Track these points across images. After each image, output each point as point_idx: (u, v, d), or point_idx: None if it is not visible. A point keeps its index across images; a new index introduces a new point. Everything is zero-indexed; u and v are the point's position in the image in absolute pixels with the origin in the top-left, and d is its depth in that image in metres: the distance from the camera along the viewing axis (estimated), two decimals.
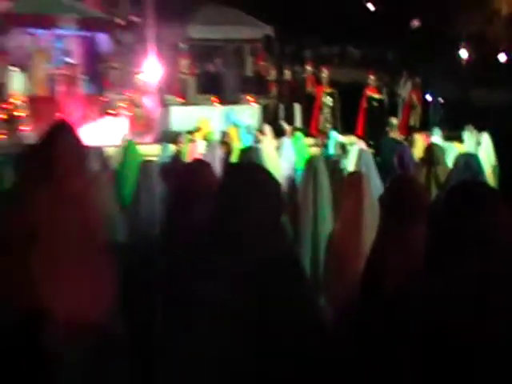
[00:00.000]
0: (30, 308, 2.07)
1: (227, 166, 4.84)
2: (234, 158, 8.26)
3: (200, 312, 2.00)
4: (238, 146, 9.56)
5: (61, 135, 2.55)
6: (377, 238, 2.72)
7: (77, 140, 2.57)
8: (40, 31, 18.05)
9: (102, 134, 14.67)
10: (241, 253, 2.01)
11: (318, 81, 15.99)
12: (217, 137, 11.52)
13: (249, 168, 2.38)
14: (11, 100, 15.65)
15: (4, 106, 15.44)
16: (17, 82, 16.23)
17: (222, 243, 2.06)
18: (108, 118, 15.86)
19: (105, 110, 16.18)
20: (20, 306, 2.09)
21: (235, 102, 16.13)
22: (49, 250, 2.19)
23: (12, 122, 14.64)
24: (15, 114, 15.19)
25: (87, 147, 2.63)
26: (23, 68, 16.97)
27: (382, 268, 2.52)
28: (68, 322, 2.10)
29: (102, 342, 2.22)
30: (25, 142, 12.24)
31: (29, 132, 14.23)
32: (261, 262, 1.99)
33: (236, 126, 12.47)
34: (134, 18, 24.18)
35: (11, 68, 16.47)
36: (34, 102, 15.75)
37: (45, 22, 17.66)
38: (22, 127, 14.76)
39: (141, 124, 15.29)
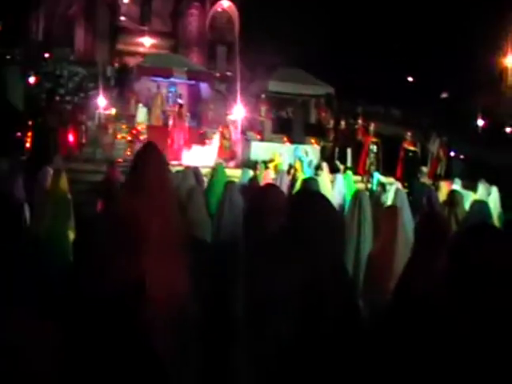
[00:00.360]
0: (130, 285, 2.05)
1: (299, 191, 4.76)
2: (297, 186, 8.22)
3: (272, 303, 1.97)
4: (301, 176, 9.50)
5: (149, 154, 2.47)
6: (410, 259, 2.68)
7: (160, 157, 2.49)
8: (160, 79, 18.60)
9: (199, 157, 14.95)
10: (306, 259, 1.99)
11: (366, 132, 15.73)
12: (285, 167, 11.52)
13: (315, 195, 2.37)
14: (137, 127, 16.18)
15: (133, 131, 15.98)
16: (141, 115, 16.77)
17: (292, 250, 2.03)
18: (204, 146, 16.06)
19: (202, 139, 16.41)
20: (123, 283, 2.06)
21: (301, 142, 16.06)
22: (144, 242, 2.16)
23: (136, 143, 15.01)
24: (139, 137, 15.65)
25: (168, 164, 2.53)
26: (147, 105, 17.52)
27: (412, 282, 2.50)
28: (158, 299, 2.09)
29: (182, 319, 2.18)
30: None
31: None
32: (321, 269, 1.97)
33: (300, 160, 12.40)
34: (228, 73, 24.70)
35: (139, 105, 17.02)
36: (151, 130, 16.26)
37: (164, 72, 18.21)
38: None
39: (227, 152, 15.42)
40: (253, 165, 13.00)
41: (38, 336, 1.62)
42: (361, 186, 12.49)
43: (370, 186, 12.94)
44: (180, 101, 17.61)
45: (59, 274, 3.43)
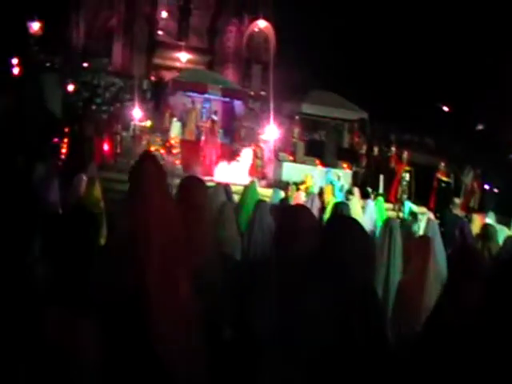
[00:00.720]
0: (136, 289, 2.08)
1: (332, 215, 4.76)
2: (328, 209, 8.21)
3: (301, 326, 2.02)
4: (332, 200, 9.49)
5: (145, 163, 2.49)
6: (443, 291, 2.69)
7: (157, 166, 2.49)
8: (195, 94, 18.89)
9: (230, 174, 15.07)
10: (338, 283, 2.02)
11: (399, 160, 15.66)
12: (316, 190, 11.52)
13: (349, 220, 2.40)
14: (171, 141, 16.44)
15: (167, 144, 16.24)
16: (175, 129, 17.01)
17: (324, 274, 2.07)
18: (235, 163, 16.19)
19: (234, 156, 16.54)
20: (130, 287, 2.09)
21: (333, 165, 16.07)
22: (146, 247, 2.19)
23: (169, 156, 15.24)
24: (172, 151, 15.88)
25: (165, 172, 2.53)
26: (181, 119, 17.79)
27: (445, 314, 2.51)
28: (161, 303, 2.11)
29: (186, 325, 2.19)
30: (176, 172, 12.75)
31: (179, 165, 14.79)
32: (352, 294, 2.00)
33: (332, 184, 12.40)
34: (262, 92, 24.89)
35: (174, 119, 17.30)
36: (184, 144, 16.51)
37: (199, 88, 18.51)
38: (175, 161, 15.33)
39: (259, 171, 15.51)
40: (284, 185, 13.09)
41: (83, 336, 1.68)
42: (392, 213, 12.40)
43: (401, 214, 12.91)
44: (214, 117, 17.81)
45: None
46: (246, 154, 16.32)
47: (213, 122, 16.51)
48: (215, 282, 2.76)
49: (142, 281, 2.07)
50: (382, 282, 4.57)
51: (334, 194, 11.15)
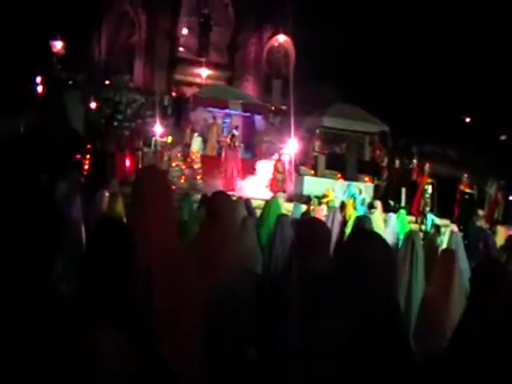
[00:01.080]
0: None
1: (354, 229, 4.76)
2: (350, 223, 8.18)
3: (324, 339, 2.03)
4: (353, 214, 9.45)
5: (148, 176, 2.49)
6: (467, 306, 2.67)
7: (162, 180, 2.49)
8: (216, 110, 19.00)
9: (251, 189, 15.10)
10: (360, 296, 2.02)
11: (421, 172, 15.54)
12: (337, 204, 11.49)
13: (371, 233, 2.39)
14: (192, 156, 16.58)
15: (188, 159, 16.37)
16: (196, 144, 17.15)
17: (346, 287, 2.06)
18: (256, 178, 16.22)
19: (254, 171, 16.55)
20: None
21: (354, 179, 15.98)
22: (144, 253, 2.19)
23: (190, 171, 15.33)
24: (194, 166, 16.00)
25: (170, 186, 2.54)
26: (202, 134, 17.94)
27: (470, 329, 2.47)
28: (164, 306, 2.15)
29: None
30: (197, 187, 12.80)
31: (200, 180, 14.89)
32: (375, 307, 1.99)
33: (353, 197, 12.32)
34: (283, 107, 24.95)
35: (195, 134, 17.46)
36: (205, 159, 16.65)
37: (220, 103, 18.58)
38: (197, 176, 15.44)
39: (280, 186, 15.50)
40: (305, 200, 13.06)
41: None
42: (414, 226, 12.28)
43: (423, 227, 12.75)
44: (235, 132, 17.90)
45: None
46: (265, 167, 16.36)
47: (233, 136, 16.55)
48: (241, 299, 2.80)
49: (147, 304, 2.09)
50: (405, 296, 4.55)
51: (355, 208, 11.08)
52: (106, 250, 1.93)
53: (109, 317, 1.77)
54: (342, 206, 10.57)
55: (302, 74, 24.50)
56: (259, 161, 17.13)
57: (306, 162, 16.92)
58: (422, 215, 14.13)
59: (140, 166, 15.68)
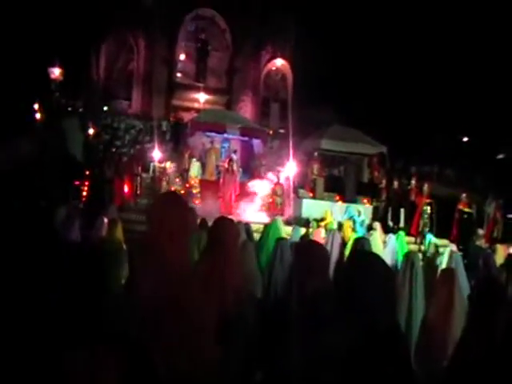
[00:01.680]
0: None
1: (353, 250, 4.78)
2: (349, 245, 8.17)
3: (324, 364, 2.04)
4: (352, 235, 9.45)
5: (168, 204, 2.42)
6: (467, 325, 2.68)
7: (181, 208, 2.43)
8: (214, 134, 19.05)
9: (250, 212, 15.10)
10: (361, 319, 2.02)
11: (420, 192, 15.49)
12: (336, 226, 11.48)
13: (370, 254, 2.39)
14: (190, 181, 16.66)
15: (186, 184, 16.39)
16: (195, 169, 17.19)
17: (346, 309, 2.08)
18: (254, 201, 16.23)
19: (253, 195, 16.48)
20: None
21: (353, 200, 16.02)
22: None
23: (188, 196, 15.35)
24: (192, 190, 16.09)
25: (190, 217, 2.53)
26: (200, 159, 18.00)
27: (470, 349, 2.48)
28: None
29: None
30: (196, 211, 12.85)
31: (198, 204, 14.90)
32: (375, 330, 2.00)
33: (352, 219, 12.34)
34: (281, 130, 25.09)
35: (193, 159, 17.52)
36: (204, 184, 16.69)
37: (218, 128, 18.60)
38: (195, 200, 15.49)
39: (278, 209, 15.50)
40: (304, 222, 13.05)
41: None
42: (413, 247, 12.26)
43: (422, 247, 12.71)
44: (234, 156, 17.92)
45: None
46: (261, 189, 16.40)
47: (231, 160, 16.54)
48: (246, 322, 2.80)
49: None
50: (405, 316, 4.54)
51: (354, 230, 11.08)
52: (80, 273, 1.92)
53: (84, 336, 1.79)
54: (341, 227, 10.54)
55: (299, 96, 24.79)
56: (252, 180, 17.07)
57: (305, 185, 16.94)
58: (421, 235, 14.09)
59: (138, 192, 15.74)
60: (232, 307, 2.72)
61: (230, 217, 12.03)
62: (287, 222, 14.16)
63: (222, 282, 2.73)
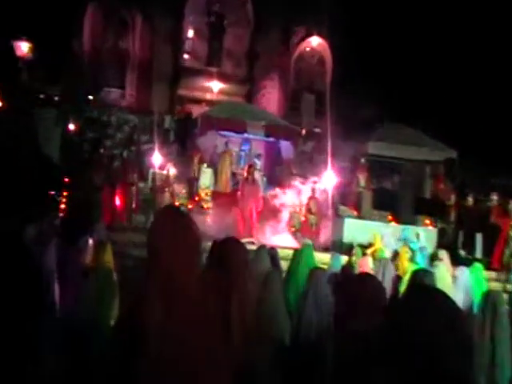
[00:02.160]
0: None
1: (410, 286, 4.80)
2: (405, 279, 8.10)
3: None
4: (410, 267, 9.33)
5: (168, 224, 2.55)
6: None
7: (186, 229, 2.55)
8: (231, 134, 19.28)
9: (276, 235, 15.12)
10: (417, 369, 2.00)
11: (504, 212, 15.20)
12: (388, 255, 11.44)
13: (433, 292, 2.36)
14: (200, 193, 16.93)
15: (195, 197, 16.56)
16: (206, 178, 17.40)
17: (403, 364, 2.05)
18: (282, 220, 16.29)
19: (279, 212, 16.56)
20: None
21: (411, 221, 15.94)
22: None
23: (198, 212, 15.50)
24: (203, 205, 16.42)
25: (198, 238, 2.56)
26: (213, 165, 18.22)
27: None
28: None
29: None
30: (207, 232, 12.94)
31: (211, 223, 15.03)
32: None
33: (409, 246, 12.24)
34: (316, 129, 25.08)
35: (204, 165, 17.62)
36: (217, 197, 16.91)
37: (236, 126, 18.85)
38: (207, 218, 15.65)
39: (312, 230, 15.50)
40: (346, 249, 13.08)
41: None
42: (495, 285, 12.10)
43: (508, 285, 12.58)
44: (257, 161, 18.06)
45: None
46: (291, 203, 16.55)
47: (251, 167, 16.34)
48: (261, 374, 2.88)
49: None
50: (486, 375, 4.46)
51: (412, 260, 10.98)
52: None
53: None
54: (395, 256, 10.48)
55: (341, 86, 24.73)
56: (280, 193, 17.10)
57: (348, 200, 16.98)
58: (506, 270, 13.88)
59: (134, 206, 15.86)
60: (238, 355, 2.76)
61: (250, 240, 12.24)
62: (324, 248, 14.40)
63: (224, 321, 2.78)
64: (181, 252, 2.45)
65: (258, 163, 18.22)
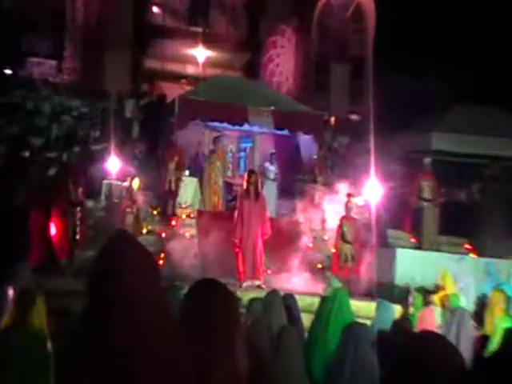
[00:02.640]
0: None
1: (504, 348, 4.80)
2: (496, 340, 8.13)
3: None
4: (500, 322, 9.31)
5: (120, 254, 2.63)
6: None
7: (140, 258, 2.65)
8: (224, 125, 19.46)
9: (292, 273, 15.08)
10: None
11: None
12: (466, 303, 11.43)
13: None
14: (180, 214, 17.13)
15: (171, 220, 16.82)
16: (187, 192, 17.40)
17: None
18: (301, 251, 16.22)
19: (297, 241, 16.50)
20: None
21: (500, 253, 15.79)
22: None
23: (176, 242, 15.56)
24: (184, 232, 16.44)
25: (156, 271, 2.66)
26: (197, 172, 18.38)
27: None
28: None
29: None
30: (192, 272, 12.95)
31: (196, 258, 15.19)
32: None
33: (501, 290, 12.19)
34: (353, 116, 25.19)
35: (184, 174, 17.80)
36: (203, 219, 16.83)
37: (232, 114, 19.01)
38: (190, 252, 15.57)
39: (348, 267, 15.45)
40: (399, 294, 13.13)
41: None
42: None
43: None
44: (270, 167, 18.23)
45: None
46: (314, 225, 16.73)
47: (252, 175, 15.71)
48: None
49: None
50: None
51: (507, 312, 10.93)
52: None
53: None
54: (478, 306, 10.42)
55: (389, 54, 24.77)
56: (296, 210, 17.19)
57: (402, 222, 17.10)
58: None
59: (78, 237, 15.80)
60: None
61: (256, 283, 12.39)
62: (365, 294, 14.37)
63: None
64: (137, 304, 2.55)
65: (271, 168, 18.44)
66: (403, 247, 16.13)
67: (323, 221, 17.32)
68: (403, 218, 17.09)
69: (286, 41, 27.81)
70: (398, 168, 17.71)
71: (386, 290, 13.98)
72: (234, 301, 3.25)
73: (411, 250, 16.04)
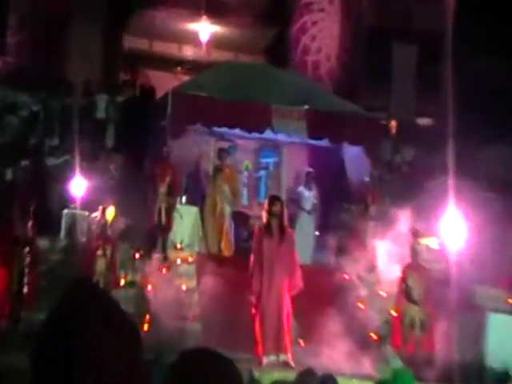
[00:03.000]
0: None
1: None
2: None
3: None
4: None
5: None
6: None
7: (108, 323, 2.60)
8: (236, 132, 19.60)
9: (335, 347, 14.87)
10: None
11: None
12: None
13: None
14: (173, 257, 17.12)
15: (162, 268, 16.77)
16: (184, 226, 17.32)
17: None
18: (347, 313, 16.11)
19: (340, 300, 16.43)
20: None
21: None
22: None
23: (169, 296, 15.57)
24: (180, 284, 16.46)
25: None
26: (198, 197, 18.37)
27: None
28: None
29: None
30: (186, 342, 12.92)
31: (198, 325, 15.38)
32: None
33: None
34: (422, 120, 25.17)
35: (179, 203, 17.99)
36: (206, 265, 16.90)
37: (249, 115, 19.08)
38: (189, 314, 15.85)
39: (415, 339, 15.38)
40: (493, 379, 12.80)
41: None
42: None
43: None
44: (306, 192, 18.58)
45: None
46: (364, 279, 16.79)
47: (276, 202, 15.88)
48: None
49: None
50: None
51: None
52: None
53: None
54: None
55: (473, 31, 24.70)
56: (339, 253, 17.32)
57: (497, 274, 16.99)
58: None
59: (26, 291, 15.72)
60: None
61: (281, 357, 12.65)
62: (440, 378, 14.27)
63: None
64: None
65: (307, 195, 18.72)
66: (498, 311, 16.02)
67: (379, 270, 17.03)
68: (499, 269, 16.88)
69: (327, 2, 27.69)
70: (492, 196, 17.54)
71: (472, 374, 13.81)
72: (237, 373, 3.10)
73: (510, 316, 15.87)
